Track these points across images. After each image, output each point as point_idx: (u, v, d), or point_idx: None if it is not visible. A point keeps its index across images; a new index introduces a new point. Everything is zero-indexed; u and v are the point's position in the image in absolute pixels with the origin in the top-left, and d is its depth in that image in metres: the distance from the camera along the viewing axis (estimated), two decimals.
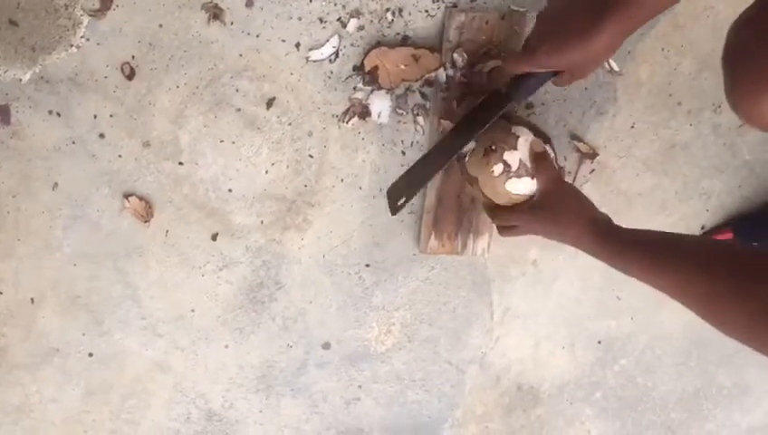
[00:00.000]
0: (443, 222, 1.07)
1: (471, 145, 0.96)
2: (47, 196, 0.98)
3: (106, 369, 1.10)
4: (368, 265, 1.11)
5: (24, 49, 0.90)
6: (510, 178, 0.92)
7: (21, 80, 0.92)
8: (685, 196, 1.18)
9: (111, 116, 0.96)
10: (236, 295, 1.09)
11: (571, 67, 0.81)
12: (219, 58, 0.95)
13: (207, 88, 0.96)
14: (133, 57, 0.93)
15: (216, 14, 0.92)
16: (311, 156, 1.03)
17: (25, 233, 1.00)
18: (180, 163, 1.00)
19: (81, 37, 0.91)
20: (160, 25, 0.92)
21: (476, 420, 1.26)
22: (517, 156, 0.92)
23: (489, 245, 1.11)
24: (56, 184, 0.98)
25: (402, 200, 0.96)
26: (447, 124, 1.01)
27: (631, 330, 1.25)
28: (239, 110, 0.98)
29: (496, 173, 0.92)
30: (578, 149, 1.10)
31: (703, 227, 1.21)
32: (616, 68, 1.06)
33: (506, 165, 0.92)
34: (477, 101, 0.99)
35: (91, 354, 1.08)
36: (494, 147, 0.93)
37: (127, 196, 1.00)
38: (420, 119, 1.03)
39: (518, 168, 0.92)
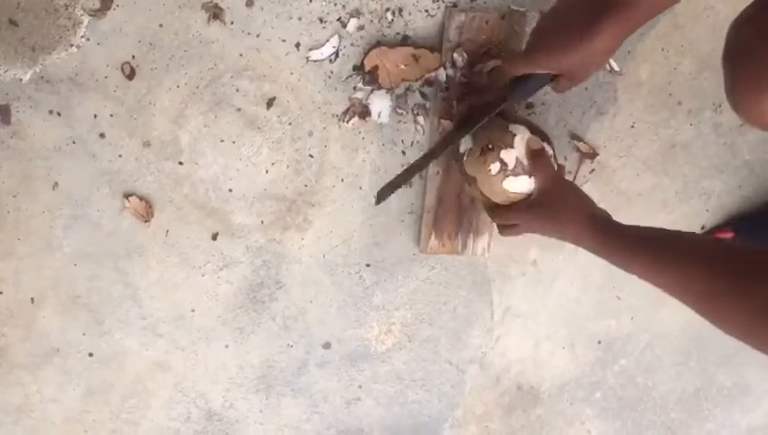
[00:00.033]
0: (443, 222, 1.07)
1: (469, 144, 0.96)
2: (47, 195, 0.98)
3: (106, 369, 1.10)
4: (368, 265, 1.11)
5: (25, 49, 0.90)
6: (507, 176, 0.92)
7: (21, 79, 0.92)
8: (685, 196, 1.18)
9: (112, 116, 0.96)
10: (237, 295, 1.09)
11: (571, 68, 0.81)
12: (219, 58, 0.95)
13: (208, 88, 0.96)
14: (133, 57, 0.93)
15: (216, 13, 0.92)
16: (311, 156, 1.03)
17: (26, 233, 1.00)
18: (180, 163, 1.00)
19: (82, 37, 0.91)
20: (161, 25, 0.92)
21: (476, 419, 1.26)
22: (514, 154, 0.92)
23: (489, 244, 1.11)
24: (56, 184, 0.98)
25: (386, 191, 0.96)
26: (447, 124, 1.01)
27: (631, 330, 1.25)
28: (239, 109, 0.98)
29: (493, 172, 0.92)
30: (578, 149, 1.10)
31: (703, 227, 1.21)
32: (616, 68, 1.06)
33: (503, 163, 0.92)
34: (476, 101, 0.99)
35: (91, 354, 1.08)
36: (490, 145, 0.93)
37: (127, 196, 1.00)
38: (420, 118, 1.03)
39: (515, 166, 0.92)
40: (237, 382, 1.15)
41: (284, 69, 0.97)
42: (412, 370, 1.20)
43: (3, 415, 1.09)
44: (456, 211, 1.07)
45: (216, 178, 1.02)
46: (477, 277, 1.16)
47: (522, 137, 0.93)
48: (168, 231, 1.03)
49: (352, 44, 0.98)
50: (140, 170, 0.99)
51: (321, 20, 0.95)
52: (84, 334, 1.07)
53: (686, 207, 1.19)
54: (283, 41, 0.96)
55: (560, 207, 0.91)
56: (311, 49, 0.97)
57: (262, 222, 1.05)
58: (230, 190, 1.03)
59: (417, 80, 1.00)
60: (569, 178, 1.11)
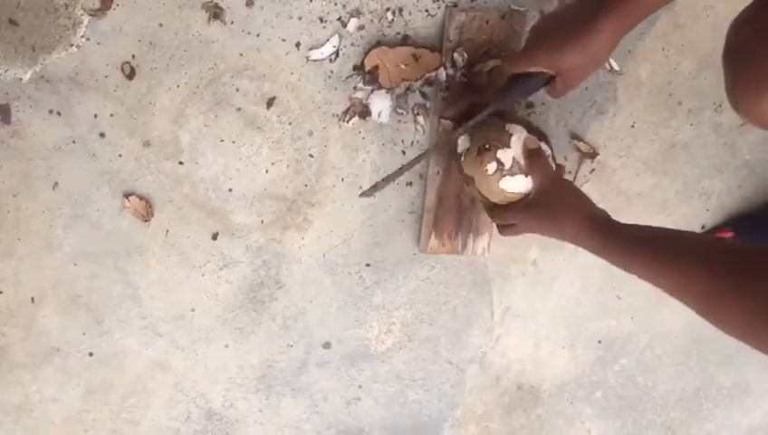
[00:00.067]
0: (443, 222, 1.07)
1: (466, 144, 0.96)
2: (47, 195, 0.98)
3: (106, 368, 1.10)
4: (368, 265, 1.11)
5: (25, 48, 0.90)
6: (503, 176, 0.92)
7: (21, 79, 0.92)
8: (685, 195, 1.18)
9: (112, 115, 0.96)
10: (237, 295, 1.09)
11: (569, 67, 0.81)
12: (219, 57, 0.95)
13: (208, 87, 0.96)
14: (133, 56, 0.93)
15: (216, 13, 0.92)
16: (311, 155, 1.03)
17: (26, 232, 1.00)
18: (180, 163, 1.00)
19: (82, 37, 0.91)
20: (161, 25, 0.92)
21: (476, 419, 1.26)
22: (510, 154, 0.92)
23: (489, 244, 1.11)
24: (56, 183, 0.98)
25: (373, 187, 0.96)
26: (447, 124, 1.01)
27: (631, 329, 1.25)
28: (239, 109, 0.98)
29: (490, 172, 0.92)
30: (578, 149, 1.10)
31: (703, 227, 1.21)
32: (616, 67, 1.06)
33: (499, 163, 0.92)
34: (476, 100, 0.99)
35: (91, 354, 1.08)
36: (487, 145, 0.93)
37: (127, 195, 1.00)
38: (421, 118, 1.03)
39: (511, 166, 0.92)
40: (237, 382, 1.15)
41: (284, 68, 0.97)
42: (412, 369, 1.20)
43: (3, 415, 1.09)
44: (456, 211, 1.07)
45: (216, 177, 1.02)
46: (477, 277, 1.16)
47: (518, 136, 0.93)
48: (168, 231, 1.03)
49: (353, 44, 0.98)
50: (140, 170, 0.99)
51: (321, 19, 0.96)
52: (84, 334, 1.07)
53: (686, 207, 1.19)
54: (284, 40, 0.96)
55: (558, 207, 0.90)
56: (311, 48, 0.97)
57: (262, 222, 1.05)
58: (230, 190, 1.03)
59: (417, 79, 1.00)
60: (569, 177, 1.11)
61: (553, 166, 0.95)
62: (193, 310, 1.09)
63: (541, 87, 0.87)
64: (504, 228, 0.99)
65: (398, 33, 0.98)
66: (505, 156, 0.92)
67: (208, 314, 1.09)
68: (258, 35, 0.95)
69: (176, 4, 0.91)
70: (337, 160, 1.04)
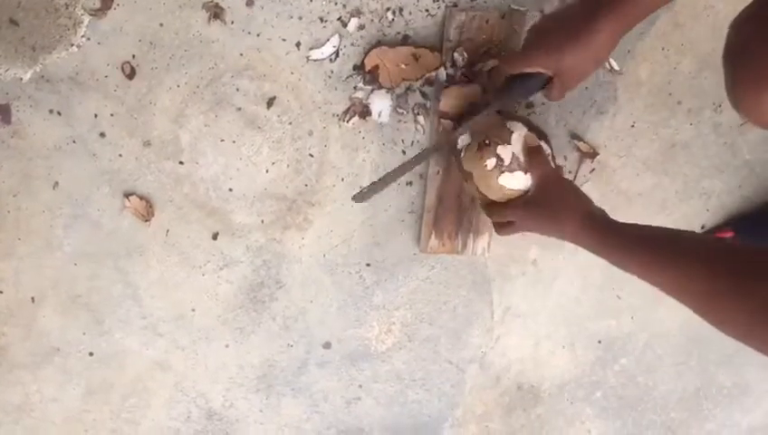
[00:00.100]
0: (443, 221, 1.07)
1: (467, 140, 0.96)
2: (48, 195, 0.98)
3: (106, 368, 1.10)
4: (368, 265, 1.11)
5: (25, 48, 0.90)
6: (502, 172, 0.92)
7: (21, 79, 0.92)
8: (685, 195, 1.18)
9: (112, 115, 0.96)
10: (237, 295, 1.09)
11: (568, 67, 0.81)
12: (220, 57, 0.95)
13: (208, 87, 0.96)
14: (134, 56, 0.93)
15: (216, 13, 0.93)
16: (311, 155, 1.03)
17: (26, 232, 1.00)
18: (181, 162, 1.00)
19: (82, 36, 0.91)
20: (161, 25, 0.92)
21: (477, 419, 1.26)
22: (510, 150, 0.92)
23: (489, 244, 1.11)
24: (57, 183, 0.98)
25: (366, 190, 0.95)
26: (447, 124, 1.01)
27: (631, 329, 1.25)
28: (240, 109, 0.98)
29: (489, 167, 0.92)
30: (578, 149, 1.10)
31: (703, 227, 1.21)
32: (616, 67, 1.06)
33: (499, 159, 0.92)
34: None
35: (91, 354, 1.08)
36: (487, 141, 0.93)
37: (127, 195, 1.00)
38: (421, 118, 1.03)
39: (511, 162, 0.92)
40: (237, 382, 1.15)
41: (285, 68, 0.97)
42: (412, 369, 1.20)
43: (3, 414, 1.09)
44: (457, 211, 1.07)
45: (217, 177, 1.02)
46: (477, 277, 1.16)
47: (519, 133, 0.93)
48: (168, 231, 1.03)
49: (353, 44, 0.98)
50: (141, 170, 0.99)
51: (321, 19, 0.96)
52: (84, 334, 1.07)
53: (686, 207, 1.19)
54: (284, 40, 0.96)
55: (556, 205, 0.90)
56: (311, 48, 0.97)
57: (262, 221, 1.05)
58: (230, 190, 1.03)
59: (417, 79, 1.00)
60: (569, 177, 1.11)
61: (553, 165, 0.95)
62: (193, 310, 1.09)
63: (540, 88, 0.87)
64: (501, 227, 0.98)
65: (399, 33, 0.98)
66: (505, 152, 0.92)
67: (209, 313, 1.10)
68: (258, 35, 0.95)
69: (176, 3, 0.91)
70: (337, 160, 1.04)
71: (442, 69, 0.99)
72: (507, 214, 0.95)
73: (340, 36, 0.97)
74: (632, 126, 1.11)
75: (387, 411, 1.22)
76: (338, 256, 1.10)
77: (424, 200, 1.07)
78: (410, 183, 1.07)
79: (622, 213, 1.14)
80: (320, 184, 1.05)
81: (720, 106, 1.12)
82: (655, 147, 1.13)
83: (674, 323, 1.26)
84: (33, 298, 1.04)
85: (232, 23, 0.94)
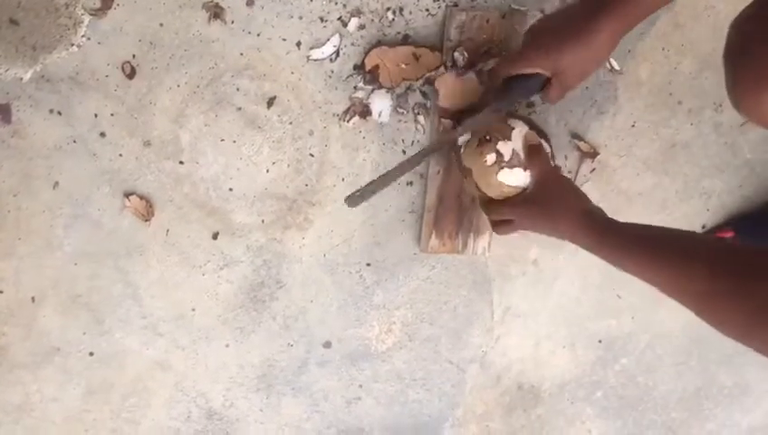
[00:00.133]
0: (444, 221, 1.07)
1: (467, 136, 0.96)
2: (48, 195, 0.98)
3: (107, 368, 1.10)
4: (369, 264, 1.11)
5: (25, 48, 0.90)
6: (502, 168, 0.92)
7: (22, 79, 0.92)
8: (685, 195, 1.18)
9: (112, 115, 0.96)
10: (237, 294, 1.09)
11: (566, 68, 0.81)
12: (220, 57, 0.95)
13: (208, 87, 0.96)
14: (134, 56, 0.93)
15: (216, 13, 0.92)
16: (311, 155, 1.03)
17: (26, 232, 1.00)
18: (181, 162, 1.00)
19: (82, 36, 0.91)
20: (161, 24, 0.92)
21: (477, 419, 1.26)
22: (510, 146, 0.92)
23: (490, 244, 1.11)
24: (57, 183, 0.98)
25: (359, 193, 0.93)
26: (448, 123, 1.01)
27: (632, 329, 1.25)
28: (240, 109, 0.98)
29: (489, 163, 0.92)
30: (578, 149, 1.10)
31: (704, 227, 1.21)
32: (616, 67, 1.06)
33: (499, 154, 0.92)
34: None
35: (91, 353, 1.08)
36: (488, 137, 0.93)
37: (127, 195, 1.00)
38: (421, 118, 1.03)
39: (510, 158, 0.91)
40: (238, 382, 1.15)
41: (285, 68, 0.97)
42: (413, 369, 1.20)
43: (3, 414, 1.09)
44: (457, 210, 1.07)
45: (217, 177, 1.02)
46: (478, 277, 1.16)
47: (520, 130, 0.93)
48: (168, 230, 1.03)
49: (353, 44, 0.98)
50: (141, 169, 0.99)
51: (321, 19, 0.96)
52: (85, 334, 1.07)
53: (686, 207, 1.19)
54: (284, 40, 0.96)
55: (555, 204, 0.89)
56: (311, 48, 0.97)
57: (262, 221, 1.05)
58: (230, 190, 1.03)
59: (417, 79, 1.00)
60: (569, 177, 1.11)
61: (553, 165, 0.95)
62: (193, 309, 1.09)
63: (539, 89, 0.86)
64: (499, 226, 0.98)
65: (399, 33, 0.98)
66: (505, 148, 0.92)
67: (209, 313, 1.09)
68: (259, 35, 0.95)
69: (176, 3, 0.91)
70: (337, 160, 1.04)
71: (442, 69, 0.99)
72: (505, 212, 0.95)
73: (341, 36, 0.97)
74: (633, 126, 1.11)
75: (387, 411, 1.22)
76: (338, 256, 1.10)
77: (424, 200, 1.07)
78: (411, 183, 1.07)
79: (623, 213, 1.14)
80: (320, 184, 1.05)
81: (721, 106, 1.12)
82: (655, 147, 1.13)
83: (674, 323, 1.26)
84: (33, 298, 1.04)
85: (232, 22, 0.94)
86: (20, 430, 1.11)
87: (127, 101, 0.95)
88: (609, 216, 0.88)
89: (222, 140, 0.99)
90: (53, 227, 1.00)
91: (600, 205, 0.90)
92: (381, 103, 1.01)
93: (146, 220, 1.01)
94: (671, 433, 1.36)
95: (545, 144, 0.95)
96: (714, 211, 1.20)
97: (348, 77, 0.99)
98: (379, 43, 0.98)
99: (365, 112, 1.01)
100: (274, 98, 0.99)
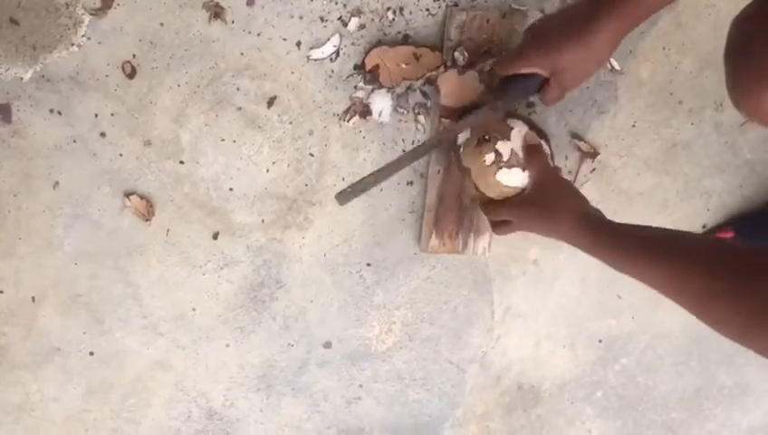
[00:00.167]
0: (444, 221, 1.07)
1: (466, 135, 0.96)
2: (48, 194, 0.98)
3: (107, 368, 1.10)
4: (369, 264, 1.11)
5: (25, 48, 0.90)
6: (501, 168, 0.92)
7: (22, 78, 0.92)
8: (686, 195, 1.18)
9: (112, 115, 0.96)
10: (237, 294, 1.09)
11: (566, 68, 0.81)
12: (220, 57, 0.95)
13: (208, 87, 0.96)
14: (134, 56, 0.93)
15: (217, 12, 0.92)
16: (312, 155, 1.03)
17: (26, 232, 1.00)
18: (181, 162, 1.00)
19: (83, 36, 0.91)
20: (161, 24, 0.92)
21: (477, 419, 1.26)
22: (509, 146, 0.92)
23: (490, 244, 1.11)
24: (57, 183, 0.98)
25: (349, 190, 0.93)
26: (448, 123, 1.01)
27: (632, 329, 1.25)
28: (240, 108, 0.98)
29: (488, 162, 0.92)
30: (579, 149, 1.10)
31: (704, 227, 1.21)
32: (617, 67, 1.06)
33: (498, 154, 0.91)
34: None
35: (91, 353, 1.08)
36: (487, 136, 0.92)
37: (128, 194, 1.00)
38: (421, 117, 1.03)
39: (509, 158, 0.91)
40: (238, 382, 1.15)
41: (285, 68, 0.97)
42: (413, 369, 1.20)
43: (3, 414, 1.09)
44: (457, 210, 1.07)
45: (217, 177, 1.02)
46: (478, 277, 1.16)
47: (519, 130, 0.93)
48: (168, 230, 1.03)
49: (353, 43, 0.98)
50: (141, 169, 0.99)
51: (322, 19, 0.95)
52: (85, 333, 1.07)
53: (687, 207, 1.19)
54: (284, 40, 0.96)
55: (553, 204, 0.89)
56: (312, 48, 0.97)
57: (262, 221, 1.05)
58: (231, 189, 1.03)
59: (418, 79, 1.00)
60: (570, 177, 1.11)
61: (552, 165, 0.95)
62: (194, 309, 1.09)
63: (537, 89, 0.86)
64: (497, 226, 0.98)
65: (399, 33, 0.98)
66: (504, 147, 0.92)
67: (209, 313, 1.09)
68: (259, 35, 0.95)
69: (176, 3, 0.91)
70: (338, 160, 1.04)
71: (443, 68, 0.99)
72: (503, 212, 0.95)
73: (341, 36, 0.97)
74: (633, 126, 1.11)
75: (387, 411, 1.22)
76: (338, 256, 1.10)
77: (424, 200, 1.07)
78: (411, 183, 1.07)
79: (623, 213, 1.14)
80: (320, 183, 1.05)
81: (721, 105, 1.12)
82: (656, 146, 1.13)
83: (674, 323, 1.26)
84: (33, 298, 1.04)
85: (232, 22, 0.94)
86: (20, 430, 1.11)
87: (127, 101, 0.95)
88: (610, 216, 0.88)
89: (222, 139, 0.99)
90: (54, 226, 1.00)
91: (601, 205, 0.90)
92: (381, 103, 1.01)
93: (146, 220, 1.01)
94: (671, 433, 1.36)
95: (545, 144, 0.95)
96: (714, 211, 1.20)
97: (348, 77, 0.99)
98: (379, 43, 0.98)
99: (365, 112, 1.01)
100: (275, 98, 0.99)
